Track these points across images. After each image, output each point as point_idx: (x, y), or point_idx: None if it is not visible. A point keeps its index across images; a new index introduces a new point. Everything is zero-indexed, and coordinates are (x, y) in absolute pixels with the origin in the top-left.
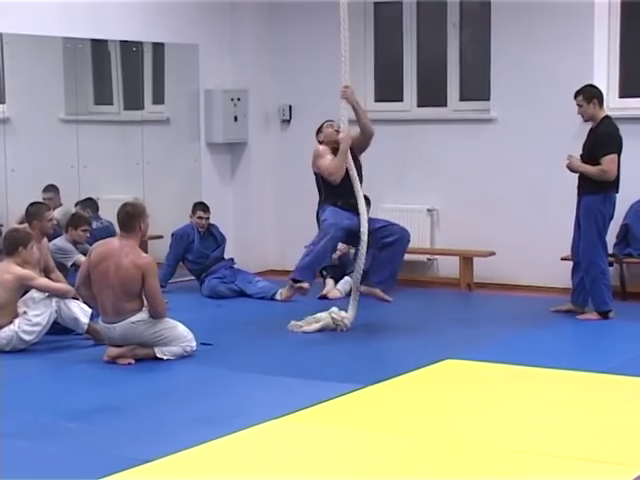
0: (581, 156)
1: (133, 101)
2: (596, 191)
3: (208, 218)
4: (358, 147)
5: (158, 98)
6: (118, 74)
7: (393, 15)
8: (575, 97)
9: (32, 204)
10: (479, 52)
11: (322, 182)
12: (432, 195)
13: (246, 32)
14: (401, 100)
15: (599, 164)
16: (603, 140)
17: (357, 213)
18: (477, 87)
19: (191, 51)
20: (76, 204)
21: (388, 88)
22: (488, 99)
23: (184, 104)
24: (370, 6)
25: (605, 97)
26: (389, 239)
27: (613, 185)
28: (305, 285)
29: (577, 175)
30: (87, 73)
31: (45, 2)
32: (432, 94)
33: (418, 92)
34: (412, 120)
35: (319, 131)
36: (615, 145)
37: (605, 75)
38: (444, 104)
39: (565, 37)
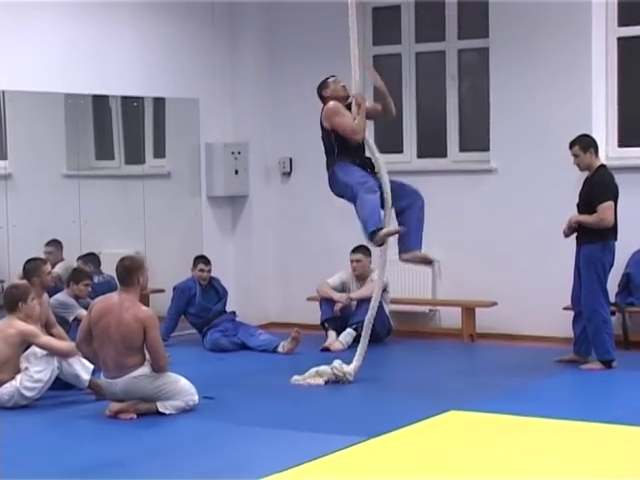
0: (577, 205)
1: (134, 155)
2: (595, 240)
3: (209, 271)
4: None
5: (159, 152)
6: (119, 129)
7: (392, 67)
8: (570, 147)
9: (28, 261)
10: (478, 103)
11: (336, 140)
12: (433, 246)
13: (246, 85)
14: (401, 151)
15: (595, 212)
16: (599, 188)
17: (373, 171)
18: (477, 138)
19: (192, 105)
20: (78, 258)
21: (388, 139)
22: (488, 150)
23: (185, 158)
24: (369, 58)
25: (604, 147)
26: (407, 200)
27: (612, 233)
28: (392, 230)
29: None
30: (88, 128)
31: (47, 59)
32: (432, 145)
33: (418, 143)
34: (412, 171)
35: (324, 86)
36: (611, 193)
37: (604, 125)
38: (444, 155)
39: (563, 87)
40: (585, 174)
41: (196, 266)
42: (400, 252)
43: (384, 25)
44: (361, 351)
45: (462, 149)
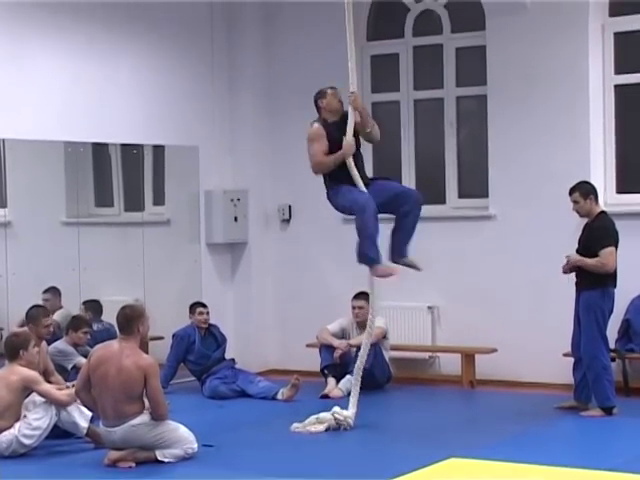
0: (577, 251)
1: (134, 203)
2: (595, 286)
3: (208, 313)
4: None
5: (158, 199)
6: (119, 176)
7: (391, 114)
8: (570, 194)
9: (32, 307)
10: (477, 149)
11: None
12: (432, 292)
13: (245, 133)
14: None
15: (595, 257)
16: (600, 234)
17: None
18: (475, 184)
19: (191, 153)
20: (83, 303)
21: None
22: (487, 196)
23: (184, 205)
24: (368, 105)
25: (602, 193)
26: (404, 208)
27: (611, 280)
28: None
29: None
30: (88, 176)
31: (47, 107)
32: (431, 192)
33: (417, 189)
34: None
35: (321, 96)
36: (612, 239)
37: (602, 171)
38: (443, 201)
39: (561, 134)
40: (585, 220)
41: (194, 311)
42: (392, 256)
43: (383, 73)
44: (354, 397)
45: (461, 195)
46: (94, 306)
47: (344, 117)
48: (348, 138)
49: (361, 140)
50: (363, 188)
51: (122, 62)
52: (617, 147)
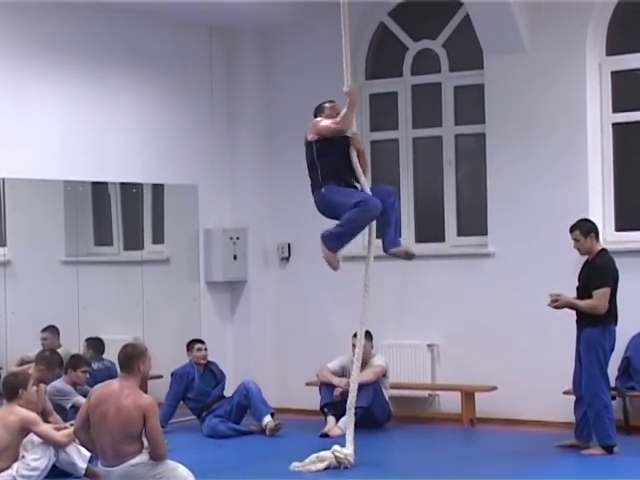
0: (577, 288)
1: (133, 241)
2: (596, 323)
3: (206, 349)
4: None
5: (158, 238)
6: (118, 215)
7: (390, 152)
8: (571, 232)
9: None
10: (475, 187)
11: (318, 154)
12: (432, 330)
13: (245, 171)
14: (399, 236)
15: (590, 293)
16: (597, 273)
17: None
18: (474, 222)
19: (190, 191)
20: (85, 341)
21: None
22: (485, 234)
23: (184, 244)
24: (367, 143)
25: (601, 230)
26: (391, 199)
27: (612, 317)
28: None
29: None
30: (87, 215)
31: (46, 146)
32: (430, 230)
33: (416, 228)
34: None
35: (320, 110)
36: (609, 278)
37: (600, 209)
38: (442, 239)
39: (560, 172)
40: (585, 257)
41: (192, 348)
42: (385, 248)
43: (381, 111)
44: (350, 435)
45: (460, 233)
46: (96, 344)
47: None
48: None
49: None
50: (367, 189)
51: (121, 101)
52: (615, 184)
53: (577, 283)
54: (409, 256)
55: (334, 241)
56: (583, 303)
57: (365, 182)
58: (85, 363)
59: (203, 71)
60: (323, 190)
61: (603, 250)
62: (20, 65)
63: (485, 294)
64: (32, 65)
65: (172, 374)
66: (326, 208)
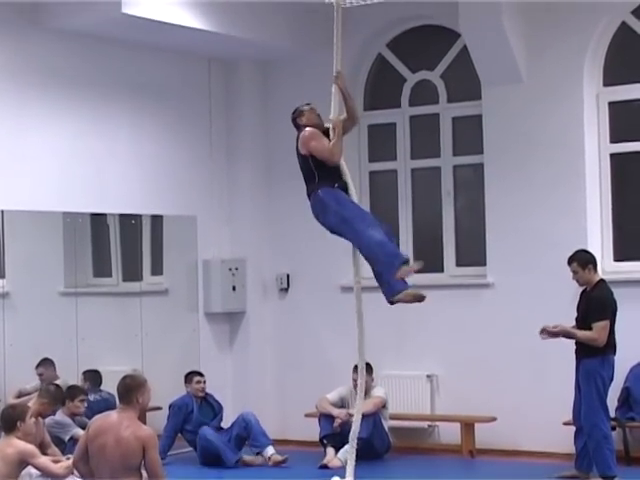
0: (576, 319)
1: (132, 273)
2: (594, 354)
3: (205, 382)
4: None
5: (157, 269)
6: (117, 246)
7: (388, 183)
8: (569, 264)
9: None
10: (474, 218)
11: (315, 166)
12: (431, 361)
13: (243, 202)
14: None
15: (588, 325)
16: (596, 305)
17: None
18: (473, 253)
19: (189, 222)
20: (82, 373)
21: None
22: (484, 264)
23: (182, 275)
24: (365, 174)
25: (600, 261)
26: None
27: (611, 347)
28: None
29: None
30: (86, 246)
31: (45, 178)
32: (429, 260)
33: (415, 258)
34: (409, 286)
35: (299, 114)
36: (608, 311)
37: (599, 239)
38: (441, 270)
39: (558, 202)
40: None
41: (191, 380)
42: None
43: (380, 142)
44: (351, 466)
45: (459, 264)
46: (93, 376)
47: (325, 132)
48: (335, 114)
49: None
50: (354, 196)
51: (120, 132)
52: (614, 215)
53: (576, 314)
54: (420, 299)
55: (395, 257)
56: (582, 334)
57: (352, 189)
58: (82, 392)
59: (202, 102)
60: (319, 194)
61: (601, 281)
62: (20, 96)
63: (484, 324)
64: (31, 96)
65: (170, 406)
66: (320, 213)
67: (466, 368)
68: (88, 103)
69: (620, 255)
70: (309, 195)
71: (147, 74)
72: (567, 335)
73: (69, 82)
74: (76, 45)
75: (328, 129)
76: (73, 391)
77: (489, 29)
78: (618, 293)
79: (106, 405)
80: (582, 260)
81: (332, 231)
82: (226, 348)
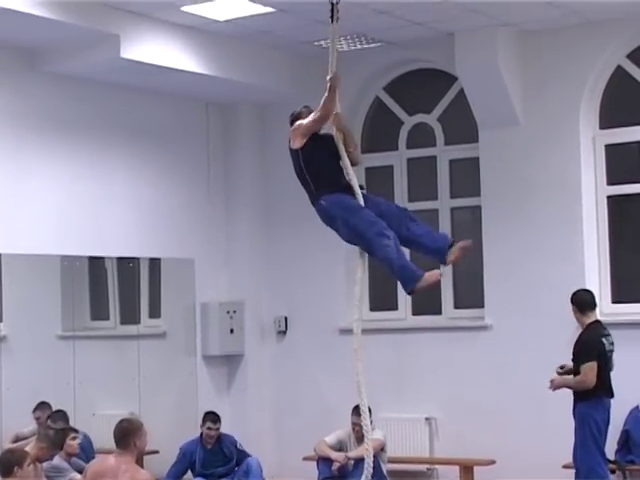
0: (572, 360)
1: (129, 316)
2: (587, 397)
3: (218, 429)
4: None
5: (154, 312)
6: (115, 289)
7: None
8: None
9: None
10: (472, 260)
11: (306, 165)
12: (430, 403)
13: (241, 245)
14: (396, 309)
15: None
16: (582, 348)
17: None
18: (471, 295)
19: (187, 265)
20: (47, 417)
21: (383, 297)
22: (482, 306)
23: (180, 317)
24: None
25: (598, 302)
26: (404, 228)
27: (603, 390)
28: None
29: None
30: (84, 289)
31: (43, 222)
32: (427, 302)
33: (413, 300)
34: (408, 329)
35: (298, 116)
36: (593, 352)
37: (597, 281)
38: (439, 312)
39: (556, 244)
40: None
41: (203, 424)
42: (441, 261)
43: (377, 184)
44: None
45: (457, 306)
46: (61, 416)
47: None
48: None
49: None
50: (361, 199)
51: (118, 175)
52: (612, 257)
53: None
54: (467, 249)
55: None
56: (573, 381)
57: (356, 184)
58: (72, 430)
59: (200, 146)
60: (323, 203)
61: (593, 323)
62: (18, 140)
63: (483, 366)
64: (30, 140)
65: (180, 448)
66: (330, 222)
67: (465, 410)
68: (86, 146)
69: (618, 297)
70: (312, 204)
71: (145, 117)
72: (564, 386)
73: (67, 126)
74: (74, 89)
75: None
76: (64, 431)
77: (485, 72)
78: (616, 335)
79: (86, 441)
80: (574, 301)
81: (346, 240)
82: (224, 391)
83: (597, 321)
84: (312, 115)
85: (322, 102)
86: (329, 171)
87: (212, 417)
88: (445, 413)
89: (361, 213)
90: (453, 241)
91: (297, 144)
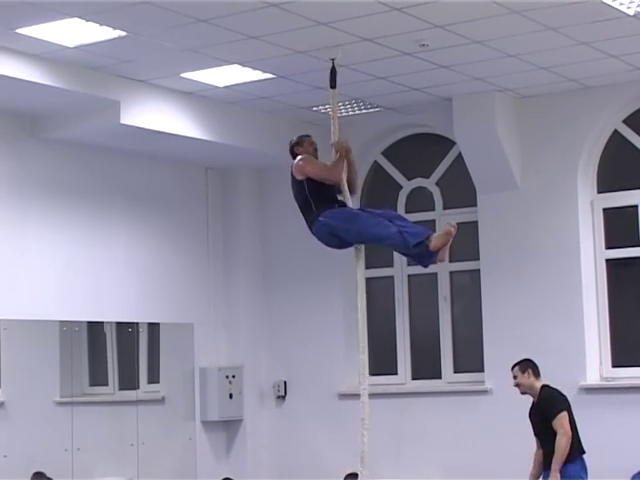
0: (535, 434)
1: (128, 381)
2: (572, 458)
3: None
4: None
5: (153, 377)
6: (113, 354)
7: (385, 289)
8: (511, 369)
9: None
10: (471, 323)
11: (310, 193)
12: (430, 468)
13: (240, 309)
14: (396, 373)
15: (551, 429)
16: (549, 402)
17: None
18: (471, 358)
19: (186, 330)
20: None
21: (382, 361)
22: (482, 370)
23: (179, 382)
24: (361, 281)
25: (598, 367)
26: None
27: (580, 446)
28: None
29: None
30: (83, 354)
31: (42, 287)
32: (426, 366)
33: (412, 365)
34: (407, 393)
35: (299, 144)
36: (563, 403)
37: (596, 344)
38: (438, 376)
39: (555, 308)
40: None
41: None
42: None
43: (376, 249)
44: None
45: (456, 370)
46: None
47: None
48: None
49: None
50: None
51: (118, 240)
52: (611, 320)
53: (533, 430)
54: (449, 235)
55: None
56: (558, 451)
57: (349, 198)
58: None
59: (199, 210)
60: (321, 219)
61: (545, 386)
62: (17, 206)
63: (483, 431)
64: (29, 205)
65: None
66: (330, 237)
67: (465, 475)
68: (85, 211)
69: (618, 361)
70: (310, 227)
71: (145, 182)
72: (561, 463)
73: (67, 191)
74: (74, 154)
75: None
76: None
77: (483, 137)
78: (615, 399)
79: None
80: (530, 367)
81: (348, 246)
82: (223, 456)
83: (546, 384)
84: (322, 168)
85: (332, 166)
86: (330, 192)
87: None
88: (445, 478)
89: (360, 218)
90: (431, 233)
91: (300, 177)
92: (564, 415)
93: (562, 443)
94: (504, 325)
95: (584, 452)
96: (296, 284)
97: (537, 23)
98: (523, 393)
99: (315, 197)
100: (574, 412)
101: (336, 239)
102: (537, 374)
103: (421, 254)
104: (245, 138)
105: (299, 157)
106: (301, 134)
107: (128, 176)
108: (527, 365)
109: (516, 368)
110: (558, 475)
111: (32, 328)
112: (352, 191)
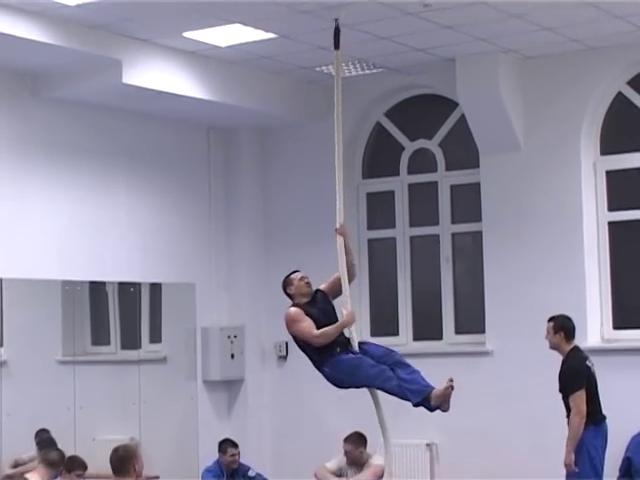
0: (560, 391)
1: (130, 341)
2: (586, 424)
3: (239, 452)
4: (333, 293)
5: (155, 337)
6: (115, 314)
7: (387, 250)
8: (548, 322)
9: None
10: (473, 285)
11: (304, 348)
12: (431, 429)
13: (242, 270)
14: (397, 334)
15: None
16: (567, 379)
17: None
18: (472, 320)
19: (188, 290)
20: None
21: (384, 322)
22: (483, 332)
23: (181, 342)
24: (364, 242)
25: (599, 329)
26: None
27: (597, 414)
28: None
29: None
30: (85, 314)
31: (44, 246)
32: (427, 328)
33: (413, 326)
34: (408, 354)
35: (288, 283)
36: (580, 380)
37: (598, 307)
38: (439, 337)
39: (557, 269)
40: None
41: (225, 452)
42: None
43: (378, 210)
44: None
45: (457, 331)
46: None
47: (314, 297)
48: (349, 308)
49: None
50: (355, 342)
51: (120, 201)
52: (613, 283)
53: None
54: (448, 392)
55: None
56: (575, 427)
57: (348, 288)
58: (80, 466)
59: (201, 170)
60: (327, 370)
61: (572, 351)
62: (19, 165)
63: (484, 392)
64: (31, 165)
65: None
66: (338, 383)
67: (466, 436)
68: (87, 171)
69: (619, 323)
70: (317, 369)
71: (147, 142)
72: (574, 442)
73: (68, 150)
74: (76, 114)
75: (316, 292)
76: (71, 463)
77: (486, 98)
78: (616, 361)
79: None
80: (561, 327)
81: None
82: (224, 416)
83: (576, 346)
84: (309, 334)
85: (321, 334)
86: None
87: (231, 443)
88: (446, 439)
89: (362, 369)
90: (432, 390)
91: (291, 332)
92: (579, 395)
93: (575, 423)
94: (505, 287)
95: (605, 418)
96: (298, 244)
97: None
98: (551, 348)
99: (311, 350)
100: None
101: (345, 384)
102: (569, 336)
103: (422, 405)
104: (247, 98)
105: (289, 312)
106: (288, 273)
107: (130, 136)
108: (561, 326)
109: (550, 324)
110: (572, 456)
111: (34, 287)
112: (350, 278)
